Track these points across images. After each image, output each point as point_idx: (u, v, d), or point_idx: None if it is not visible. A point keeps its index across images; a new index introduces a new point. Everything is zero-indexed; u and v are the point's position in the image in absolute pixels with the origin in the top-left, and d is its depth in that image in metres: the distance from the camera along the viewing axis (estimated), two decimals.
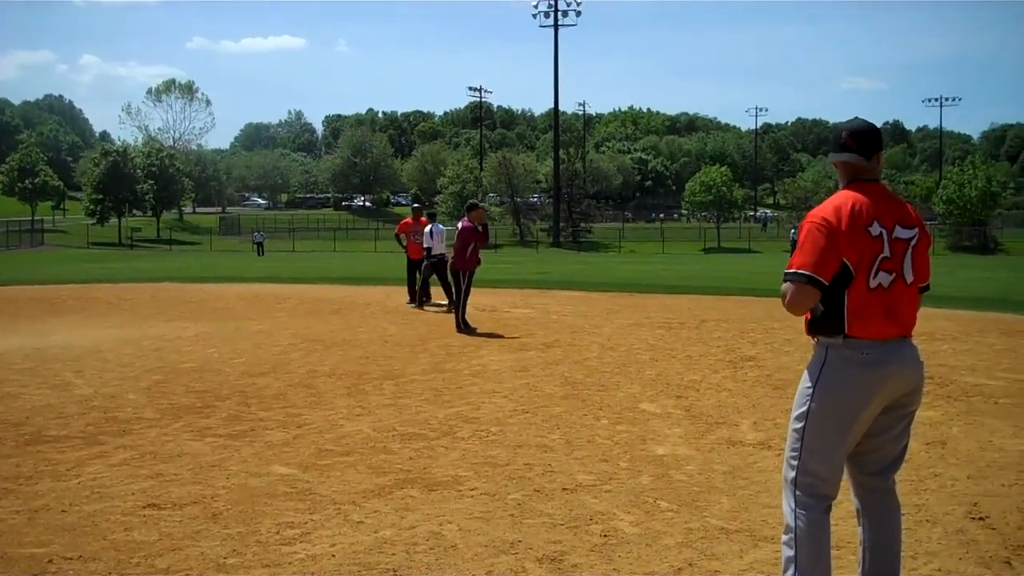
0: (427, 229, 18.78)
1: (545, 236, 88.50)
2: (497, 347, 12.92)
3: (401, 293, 19.91)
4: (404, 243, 19.72)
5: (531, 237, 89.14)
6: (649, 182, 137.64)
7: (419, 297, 18.96)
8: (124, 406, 8.90)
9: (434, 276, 18.60)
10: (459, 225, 15.34)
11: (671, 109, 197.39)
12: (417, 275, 18.94)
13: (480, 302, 18.26)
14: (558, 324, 15.61)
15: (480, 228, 15.20)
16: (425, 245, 18.63)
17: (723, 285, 24.87)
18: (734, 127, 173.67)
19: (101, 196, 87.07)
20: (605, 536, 5.22)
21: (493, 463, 6.78)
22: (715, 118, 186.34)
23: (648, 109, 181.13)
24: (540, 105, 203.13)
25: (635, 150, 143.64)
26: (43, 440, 7.53)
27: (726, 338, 13.57)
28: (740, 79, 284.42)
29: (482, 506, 5.77)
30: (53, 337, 14.35)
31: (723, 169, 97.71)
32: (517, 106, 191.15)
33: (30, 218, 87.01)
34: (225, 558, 4.89)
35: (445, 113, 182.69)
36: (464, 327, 14.64)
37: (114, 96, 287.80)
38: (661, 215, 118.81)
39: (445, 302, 17.98)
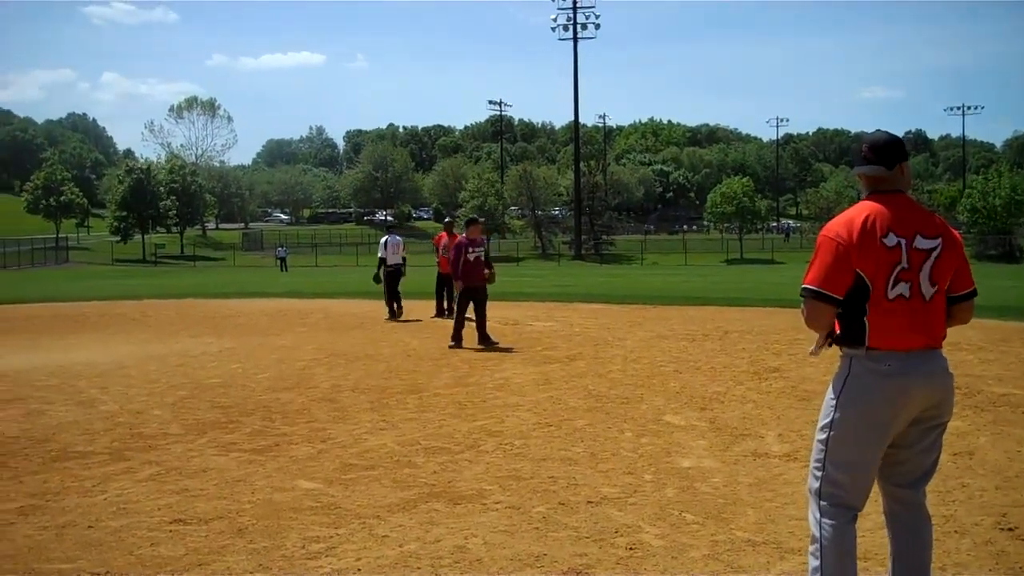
0: (383, 239, 19.71)
1: (567, 249, 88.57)
2: (520, 360, 12.91)
3: (427, 307, 19.96)
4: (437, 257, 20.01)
5: (553, 250, 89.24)
6: (670, 194, 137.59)
7: (392, 307, 19.34)
8: (149, 422, 8.94)
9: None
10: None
11: (692, 120, 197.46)
12: (444, 290, 19.18)
13: (502, 315, 18.27)
14: (581, 337, 15.60)
15: (468, 244, 14.78)
16: (380, 255, 19.51)
17: (746, 296, 24.78)
18: (755, 138, 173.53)
19: (125, 213, 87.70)
20: (631, 549, 5.20)
21: (517, 476, 6.77)
22: (736, 129, 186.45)
23: (668, 121, 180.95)
24: (560, 118, 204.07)
25: (656, 162, 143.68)
26: (69, 456, 7.57)
27: (750, 350, 13.51)
28: (760, 90, 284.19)
29: (507, 520, 5.76)
30: (78, 354, 14.44)
31: (745, 180, 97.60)
32: (537, 119, 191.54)
33: (55, 236, 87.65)
34: (251, 572, 4.90)
35: (465, 127, 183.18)
36: (454, 341, 14.44)
37: (136, 113, 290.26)
38: (683, 227, 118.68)
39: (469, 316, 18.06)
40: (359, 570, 4.93)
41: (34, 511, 6.06)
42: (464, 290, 14.60)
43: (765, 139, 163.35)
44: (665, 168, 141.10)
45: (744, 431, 8.22)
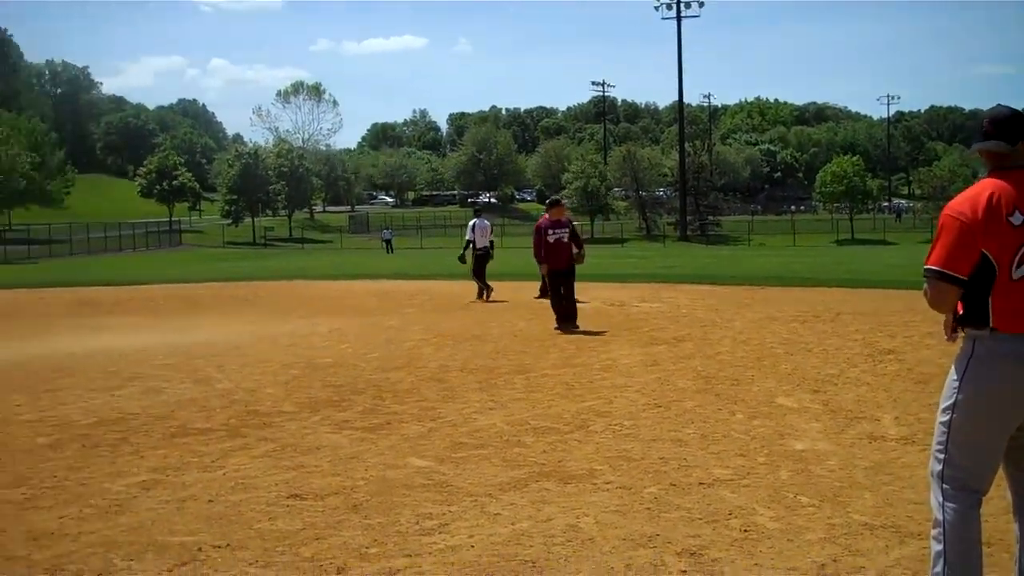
0: (470, 223, 20.26)
1: (672, 230, 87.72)
2: (627, 342, 12.84)
3: (531, 288, 19.99)
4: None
5: (657, 231, 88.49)
6: (778, 174, 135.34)
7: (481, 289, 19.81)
8: (264, 400, 9.14)
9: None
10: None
11: (799, 99, 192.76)
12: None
13: (608, 296, 18.22)
14: (688, 318, 15.45)
15: (549, 226, 14.60)
16: (467, 238, 20.12)
17: (857, 278, 24.24)
18: (865, 116, 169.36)
19: (235, 197, 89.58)
20: (745, 531, 5.13)
21: (628, 457, 6.74)
22: (845, 107, 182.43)
23: (775, 99, 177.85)
24: (664, 98, 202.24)
25: (763, 141, 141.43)
26: (188, 432, 7.78)
27: (863, 331, 13.22)
28: (870, 67, 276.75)
29: (618, 500, 5.74)
30: (194, 334, 14.83)
31: (855, 159, 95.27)
32: (641, 100, 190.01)
33: (167, 219, 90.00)
34: (367, 547, 4.97)
35: (568, 108, 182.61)
36: (559, 324, 14.21)
37: (244, 99, 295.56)
38: (791, 207, 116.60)
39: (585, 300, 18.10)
40: (472, 547, 4.96)
41: (156, 485, 6.24)
42: (549, 272, 14.56)
43: (876, 117, 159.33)
44: (772, 148, 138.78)
45: (859, 414, 8.05)
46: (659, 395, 9.04)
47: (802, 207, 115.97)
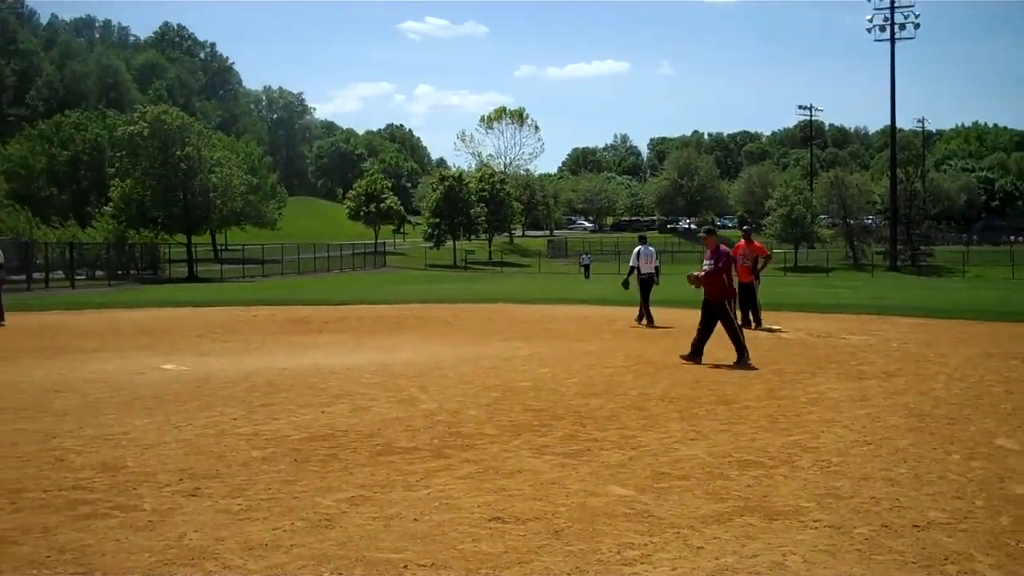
0: (636, 250, 21.05)
1: (881, 259, 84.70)
2: (834, 375, 12.44)
3: None
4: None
5: (865, 260, 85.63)
6: (996, 202, 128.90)
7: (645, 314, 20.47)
8: (466, 421, 9.28)
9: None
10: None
11: (1020, 124, 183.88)
12: (744, 301, 18.91)
13: (813, 327, 17.73)
14: (898, 352, 14.86)
15: (710, 255, 14.04)
16: (631, 264, 20.89)
17: None
18: None
19: (438, 220, 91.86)
20: None
21: (836, 495, 6.50)
22: None
23: (994, 124, 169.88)
24: (875, 122, 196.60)
25: (980, 168, 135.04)
26: (393, 451, 7.97)
27: None
28: None
29: (827, 539, 5.54)
30: (398, 353, 15.23)
31: None
32: (850, 124, 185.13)
33: (373, 241, 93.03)
34: (569, 574, 4.96)
35: (773, 133, 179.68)
36: (739, 358, 13.54)
37: (447, 124, 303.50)
38: (1011, 237, 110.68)
39: (777, 327, 17.67)
40: None
41: (364, 502, 6.41)
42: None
43: None
44: (990, 175, 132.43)
45: None
46: (869, 432, 8.70)
47: (1021, 238, 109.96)
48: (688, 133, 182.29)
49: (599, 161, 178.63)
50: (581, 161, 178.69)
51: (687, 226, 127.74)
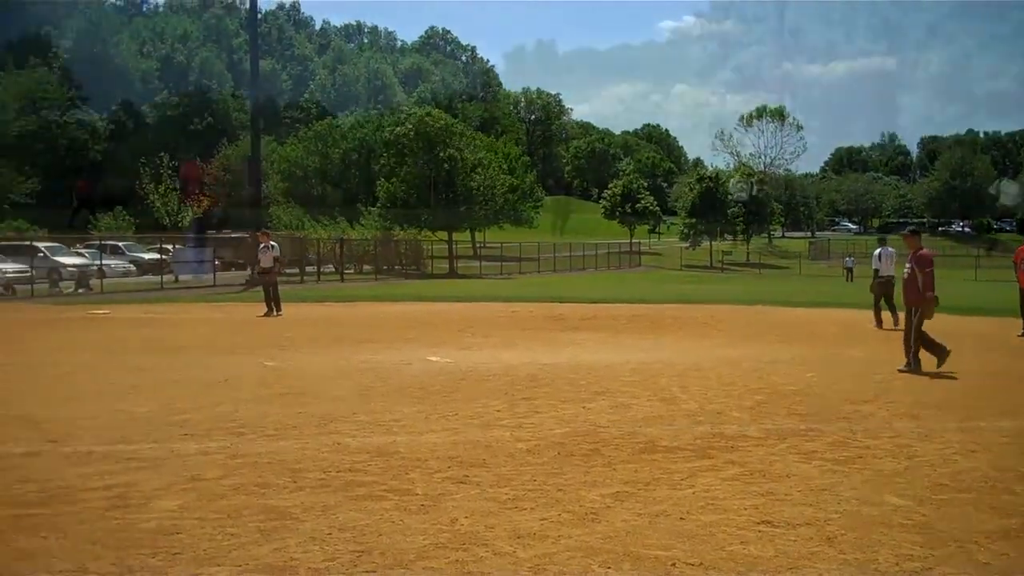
0: (876, 252, 20.71)
1: None
2: None
3: (1009, 326, 18.52)
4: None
5: None
6: None
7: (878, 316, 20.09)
8: (729, 423, 9.13)
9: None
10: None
11: None
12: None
13: None
14: None
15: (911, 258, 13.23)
16: (873, 267, 20.45)
17: None
18: None
19: (694, 220, 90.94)
20: None
21: None
22: None
23: None
24: None
25: None
26: (656, 449, 7.93)
27: None
28: None
29: None
30: (655, 353, 15.16)
31: None
32: None
33: (628, 240, 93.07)
34: None
35: None
36: (910, 364, 12.93)
37: (704, 123, 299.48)
38: None
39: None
40: None
41: (628, 498, 6.41)
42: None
43: None
44: None
45: None
46: None
47: None
48: (962, 132, 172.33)
49: (864, 161, 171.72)
50: (845, 160, 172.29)
51: (960, 229, 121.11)
